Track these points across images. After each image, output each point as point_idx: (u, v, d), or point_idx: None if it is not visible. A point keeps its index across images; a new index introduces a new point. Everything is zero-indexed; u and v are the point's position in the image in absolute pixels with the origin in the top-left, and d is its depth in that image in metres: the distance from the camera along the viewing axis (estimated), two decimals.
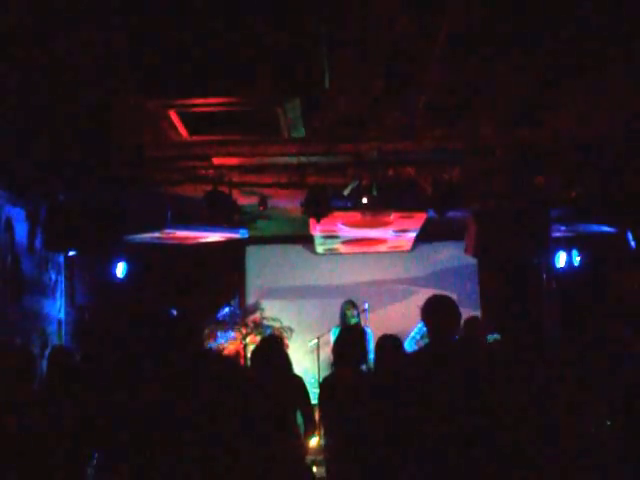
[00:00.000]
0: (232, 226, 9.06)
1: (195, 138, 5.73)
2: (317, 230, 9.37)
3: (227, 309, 10.58)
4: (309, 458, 6.85)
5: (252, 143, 6.51)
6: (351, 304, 9.60)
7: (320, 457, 6.24)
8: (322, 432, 5.51)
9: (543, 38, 4.55)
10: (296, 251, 11.51)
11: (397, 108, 5.80)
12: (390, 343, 5.47)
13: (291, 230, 10.63)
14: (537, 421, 4.48)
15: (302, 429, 5.28)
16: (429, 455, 3.98)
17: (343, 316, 9.56)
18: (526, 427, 4.34)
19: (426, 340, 6.07)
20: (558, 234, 9.32)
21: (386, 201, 7.79)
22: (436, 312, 4.40)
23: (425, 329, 4.51)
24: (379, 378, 5.11)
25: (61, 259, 8.65)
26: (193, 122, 5.23)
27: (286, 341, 9.61)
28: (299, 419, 5.26)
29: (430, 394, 4.07)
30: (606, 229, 9.14)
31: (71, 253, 8.32)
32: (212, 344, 9.76)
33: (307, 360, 9.92)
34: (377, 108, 5.81)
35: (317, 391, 5.38)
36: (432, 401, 4.05)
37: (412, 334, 9.34)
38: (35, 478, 4.66)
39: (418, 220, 8.92)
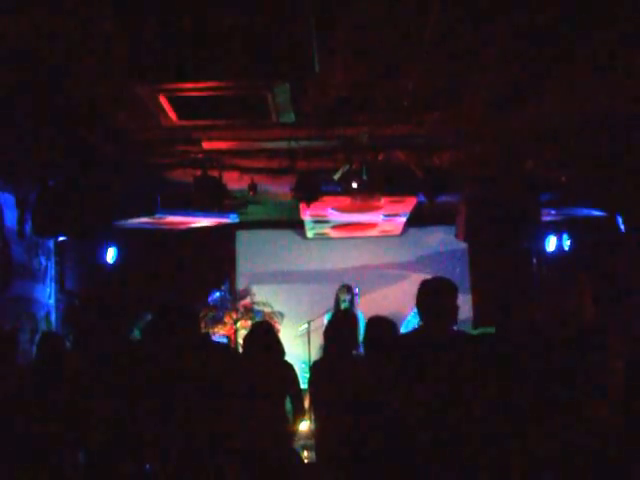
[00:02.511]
0: (222, 211, 9.05)
1: (184, 122, 5.70)
2: (307, 215, 9.37)
3: (217, 294, 10.58)
4: (300, 443, 6.89)
5: (242, 128, 6.49)
6: (345, 288, 9.59)
7: (311, 442, 6.26)
8: (312, 417, 5.52)
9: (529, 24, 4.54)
10: (286, 236, 11.51)
11: (387, 92, 5.78)
12: (382, 325, 5.43)
13: (281, 215, 10.62)
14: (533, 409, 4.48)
15: (291, 414, 5.29)
16: (417, 440, 4.00)
17: (337, 300, 9.57)
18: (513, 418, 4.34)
19: None
20: (548, 218, 9.34)
21: (376, 186, 7.79)
22: (431, 296, 4.37)
23: None
24: (369, 362, 5.10)
25: (51, 244, 8.61)
26: (182, 106, 5.20)
27: (277, 326, 9.62)
28: (288, 405, 5.27)
29: (419, 381, 4.08)
30: (596, 213, 9.16)
31: (61, 238, 8.29)
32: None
33: (298, 344, 9.92)
34: (367, 92, 5.79)
35: (308, 375, 5.39)
36: (421, 387, 4.06)
37: (409, 318, 9.36)
38: (25, 461, 4.67)
39: (408, 204, 8.93)
